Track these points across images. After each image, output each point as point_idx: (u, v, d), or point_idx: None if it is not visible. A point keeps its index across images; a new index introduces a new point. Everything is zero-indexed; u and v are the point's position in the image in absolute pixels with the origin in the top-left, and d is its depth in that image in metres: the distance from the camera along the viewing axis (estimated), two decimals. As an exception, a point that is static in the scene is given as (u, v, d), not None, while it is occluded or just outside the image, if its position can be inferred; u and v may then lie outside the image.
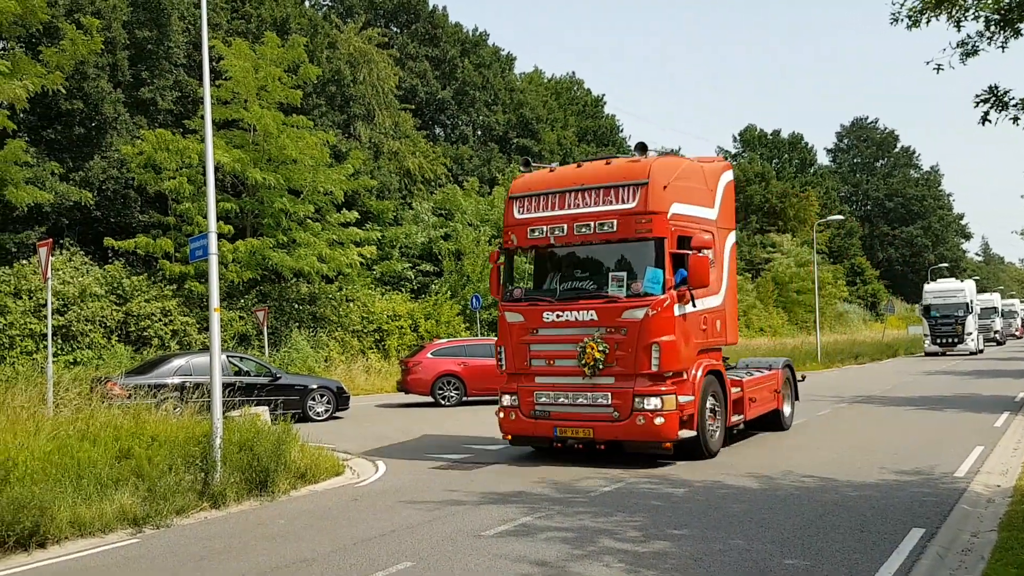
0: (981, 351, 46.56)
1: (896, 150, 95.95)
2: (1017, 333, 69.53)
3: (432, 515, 9.07)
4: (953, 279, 53.00)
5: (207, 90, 11.49)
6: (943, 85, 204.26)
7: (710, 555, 7.23)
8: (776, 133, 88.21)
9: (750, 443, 13.89)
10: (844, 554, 7.20)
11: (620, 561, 7.09)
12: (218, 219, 16.52)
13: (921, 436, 14.36)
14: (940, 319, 44.79)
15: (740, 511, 8.89)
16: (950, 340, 44.42)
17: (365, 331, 30.34)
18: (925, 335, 45.90)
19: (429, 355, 21.77)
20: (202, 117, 12.82)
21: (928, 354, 44.95)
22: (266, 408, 14.10)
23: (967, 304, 44.57)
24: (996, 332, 59.53)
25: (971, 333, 44.25)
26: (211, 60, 12.79)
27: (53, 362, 15.91)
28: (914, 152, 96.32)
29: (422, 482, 11.12)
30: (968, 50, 11.75)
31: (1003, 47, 11.67)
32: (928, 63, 12.16)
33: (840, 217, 59.17)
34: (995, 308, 60.86)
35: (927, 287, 47.75)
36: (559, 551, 7.45)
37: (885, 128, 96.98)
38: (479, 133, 49.42)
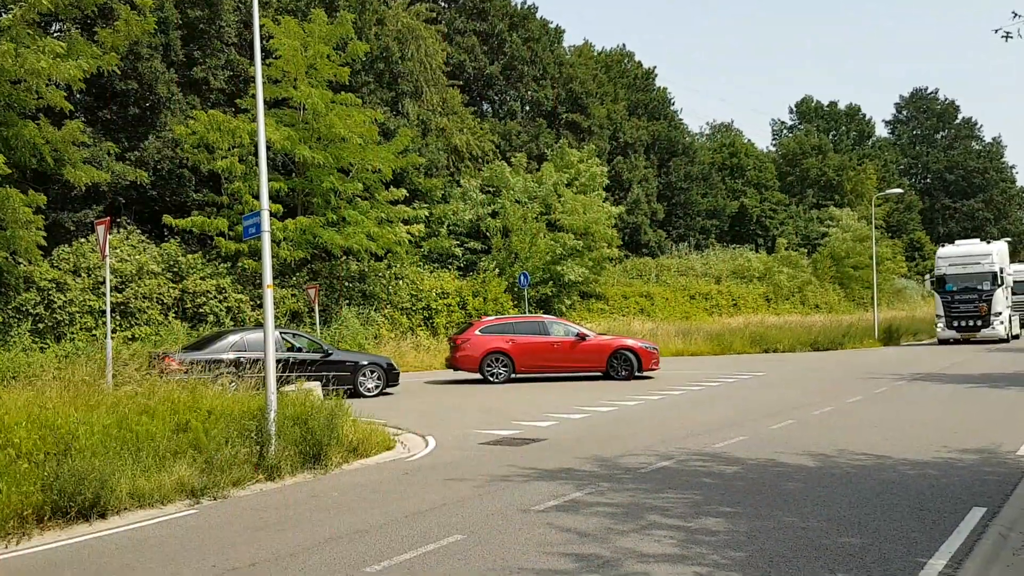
0: (1016, 336, 36.93)
1: (957, 121, 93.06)
2: None
3: (481, 490, 9.10)
4: (977, 240, 39.61)
5: (259, 69, 11.56)
6: (1006, 55, 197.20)
7: (763, 532, 7.13)
8: (833, 104, 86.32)
9: (804, 421, 13.68)
10: (902, 532, 7.04)
11: (670, 537, 7.03)
12: (269, 198, 16.69)
13: (981, 414, 13.99)
14: (958, 294, 34.32)
15: (794, 489, 8.75)
16: (971, 323, 33.99)
17: (414, 308, 30.54)
18: (938, 316, 35.13)
19: (477, 332, 21.82)
20: (253, 96, 12.97)
21: (941, 341, 35.13)
22: (318, 383, 14.27)
23: (995, 274, 34.08)
24: None
25: (1000, 313, 33.92)
26: (261, 39, 12.83)
27: (112, 338, 16.30)
28: (976, 123, 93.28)
29: (471, 457, 11.17)
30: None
31: (1074, 10, 11.11)
32: (996, 31, 11.51)
33: (899, 191, 57.73)
34: None
35: (941, 251, 36.96)
36: (608, 526, 7.41)
37: (946, 98, 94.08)
38: (527, 108, 49.15)
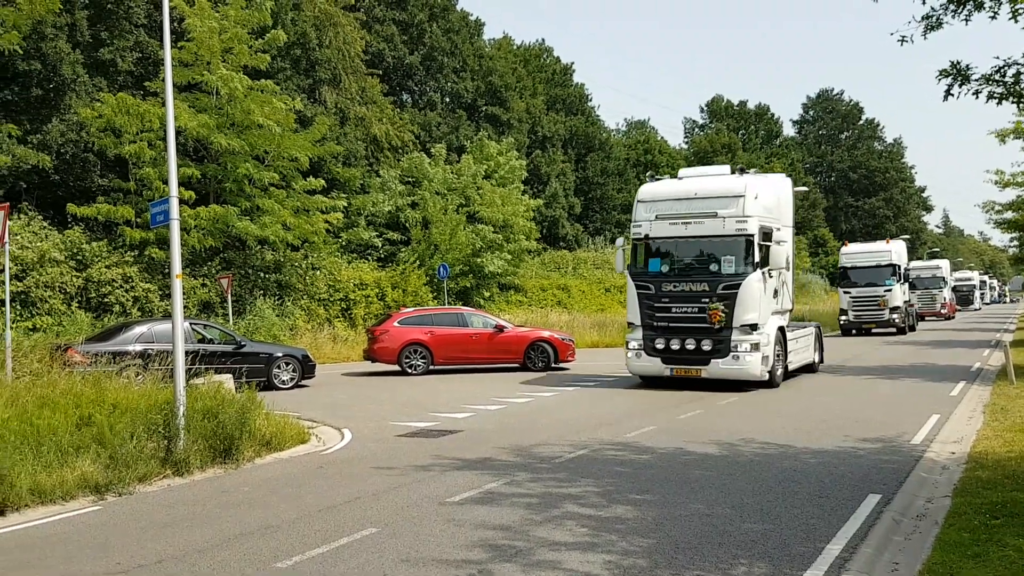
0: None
1: (861, 122, 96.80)
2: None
3: (397, 482, 9.10)
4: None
5: (167, 52, 11.24)
6: (909, 59, 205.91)
7: (671, 519, 7.34)
8: (743, 104, 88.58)
9: (711, 411, 14.08)
10: (802, 519, 7.35)
11: (583, 526, 7.18)
12: (180, 185, 16.24)
13: (879, 405, 14.65)
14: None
15: (701, 477, 9.03)
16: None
17: (331, 299, 30.16)
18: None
19: (396, 324, 21.74)
20: (163, 79, 12.57)
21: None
22: (230, 376, 14.01)
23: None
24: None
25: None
26: (172, 20, 12.49)
27: (11, 329, 15.63)
28: (878, 125, 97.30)
29: (388, 450, 11.14)
30: (932, 23, 11.80)
31: (966, 20, 11.74)
32: (892, 34, 12.14)
33: (804, 188, 59.61)
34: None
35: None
36: (523, 516, 7.52)
37: (850, 100, 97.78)
38: (447, 100, 48.96)
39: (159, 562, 6.56)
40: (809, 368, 20.07)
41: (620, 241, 18.12)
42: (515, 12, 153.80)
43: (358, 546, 6.80)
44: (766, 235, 16.77)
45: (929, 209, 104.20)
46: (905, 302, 36.61)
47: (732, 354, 16.24)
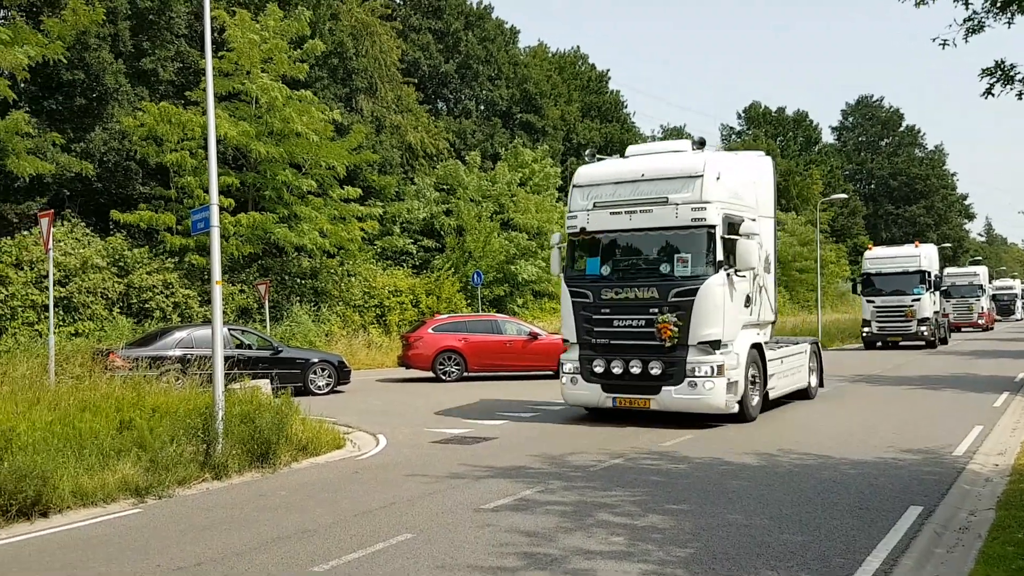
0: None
1: (901, 129, 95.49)
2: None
3: (432, 488, 9.11)
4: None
5: (209, 62, 11.41)
6: (950, 65, 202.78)
7: (708, 530, 7.27)
8: (781, 111, 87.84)
9: (750, 422, 13.92)
10: (842, 531, 7.24)
11: (618, 535, 7.13)
12: (219, 192, 16.45)
13: (920, 415, 14.40)
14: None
15: (739, 487, 8.93)
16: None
17: (366, 306, 30.37)
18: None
19: (430, 330, 21.81)
20: (204, 89, 12.76)
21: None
22: (267, 381, 14.16)
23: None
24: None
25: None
26: (213, 31, 12.70)
27: (55, 333, 15.94)
28: (919, 131, 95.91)
29: (422, 456, 11.17)
30: (974, 26, 11.65)
31: (1009, 23, 11.58)
32: (934, 39, 11.82)
33: (844, 196, 58.97)
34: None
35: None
36: (557, 524, 7.49)
37: (890, 106, 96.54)
38: (482, 108, 49.16)
39: (198, 564, 6.63)
40: (803, 394, 16.48)
41: (556, 238, 14.56)
42: (551, 20, 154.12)
43: (393, 551, 6.82)
44: (732, 226, 13.24)
45: (971, 217, 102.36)
46: (936, 312, 33.54)
47: (688, 379, 12.77)
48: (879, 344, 33.67)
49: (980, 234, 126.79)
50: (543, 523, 7.55)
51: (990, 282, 56.51)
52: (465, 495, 8.76)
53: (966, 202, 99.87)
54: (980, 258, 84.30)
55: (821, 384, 17.50)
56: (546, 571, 6.24)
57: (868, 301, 33.61)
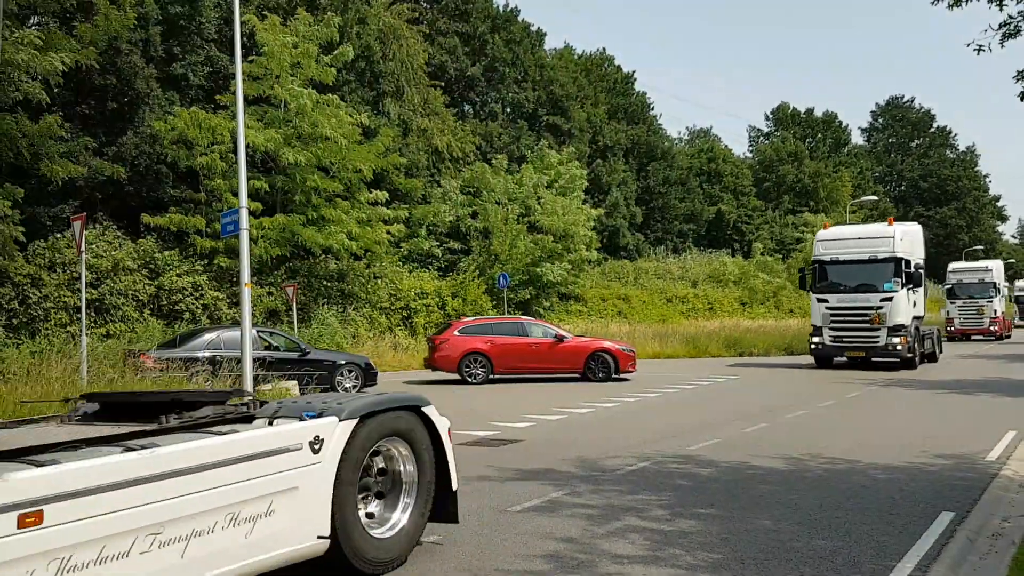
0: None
1: (932, 130, 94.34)
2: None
3: (458, 490, 9.11)
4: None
5: (239, 67, 11.55)
6: (982, 66, 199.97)
7: (736, 534, 7.22)
8: (810, 111, 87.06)
9: (776, 425, 13.83)
10: (872, 536, 7.16)
11: (646, 539, 7.11)
12: (248, 196, 16.65)
13: (952, 419, 14.21)
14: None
15: (766, 492, 8.86)
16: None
17: (393, 308, 30.53)
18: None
19: (456, 332, 21.86)
20: (233, 93, 12.90)
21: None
22: (295, 383, 14.27)
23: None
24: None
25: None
26: (242, 35, 12.83)
27: (87, 335, 16.17)
28: (951, 132, 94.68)
29: (449, 458, 11.17)
30: (1010, 31, 11.49)
31: (1047, 25, 11.39)
32: (968, 44, 11.62)
33: (874, 198, 58.48)
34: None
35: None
36: (585, 527, 7.48)
37: (921, 107, 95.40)
38: (508, 110, 49.24)
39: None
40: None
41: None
42: (577, 22, 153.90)
43: (419, 553, 6.84)
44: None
45: (1004, 219, 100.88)
46: (917, 318, 25.22)
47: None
48: (835, 360, 25.45)
49: (1013, 236, 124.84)
50: (571, 526, 7.54)
51: (1010, 281, 52.95)
52: (492, 497, 8.77)
53: (999, 203, 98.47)
54: (1013, 261, 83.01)
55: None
56: (574, 574, 6.23)
57: (819, 300, 24.72)
